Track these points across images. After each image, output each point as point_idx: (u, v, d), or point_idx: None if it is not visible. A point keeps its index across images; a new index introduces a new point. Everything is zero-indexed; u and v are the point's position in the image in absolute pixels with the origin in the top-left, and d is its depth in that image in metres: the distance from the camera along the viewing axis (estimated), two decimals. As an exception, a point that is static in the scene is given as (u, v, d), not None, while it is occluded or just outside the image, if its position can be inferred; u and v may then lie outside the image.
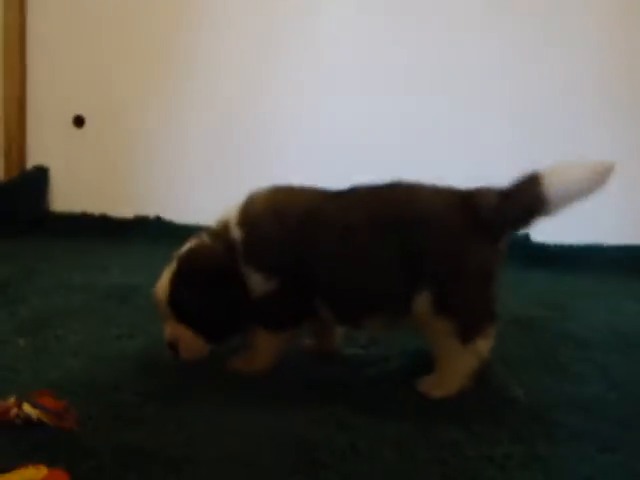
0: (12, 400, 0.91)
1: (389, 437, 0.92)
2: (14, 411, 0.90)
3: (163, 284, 1.10)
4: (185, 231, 1.26)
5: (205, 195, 2.22)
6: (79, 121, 2.37)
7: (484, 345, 1.06)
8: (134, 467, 0.82)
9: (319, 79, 2.20)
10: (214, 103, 2.27)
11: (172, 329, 1.09)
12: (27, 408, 0.90)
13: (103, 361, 1.16)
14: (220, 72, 2.26)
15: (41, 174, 2.36)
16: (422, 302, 1.03)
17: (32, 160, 2.39)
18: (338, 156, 2.11)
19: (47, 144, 2.39)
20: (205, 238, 1.12)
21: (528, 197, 1.01)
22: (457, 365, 1.05)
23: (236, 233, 1.09)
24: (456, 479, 0.82)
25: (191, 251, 1.11)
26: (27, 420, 0.90)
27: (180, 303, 1.08)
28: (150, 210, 2.27)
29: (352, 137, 2.13)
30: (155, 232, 2.16)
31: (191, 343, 1.09)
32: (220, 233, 1.11)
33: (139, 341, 1.25)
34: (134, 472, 0.81)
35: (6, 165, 2.36)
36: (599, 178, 1.00)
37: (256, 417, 0.96)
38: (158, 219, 2.24)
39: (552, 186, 1.00)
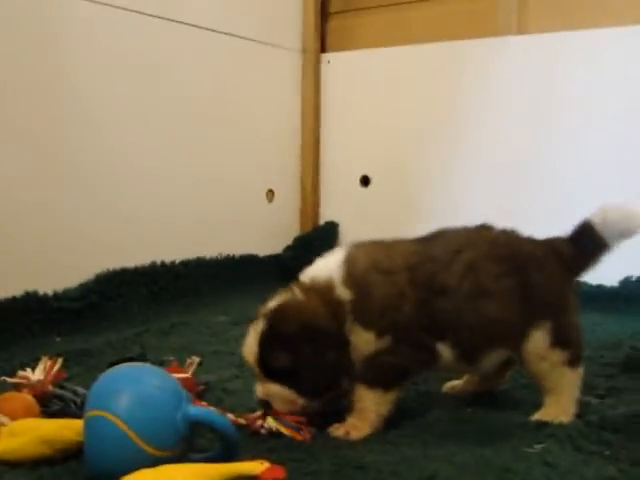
0: (259, 413, 1.10)
1: (584, 477, 0.93)
2: (259, 422, 1.08)
3: (250, 345, 1.08)
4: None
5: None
6: (365, 181, 2.63)
7: (582, 368, 1.17)
8: (346, 475, 0.94)
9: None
10: (484, 164, 2.39)
11: (263, 388, 1.09)
12: (270, 421, 1.08)
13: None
14: (489, 135, 2.37)
15: (332, 229, 2.65)
16: (539, 336, 1.13)
17: (324, 216, 2.70)
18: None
19: (337, 202, 2.69)
20: (298, 293, 1.10)
21: (589, 242, 1.15)
22: (572, 390, 1.16)
23: (343, 293, 1.08)
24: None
25: (281, 308, 1.09)
26: (269, 430, 1.07)
27: (269, 364, 1.07)
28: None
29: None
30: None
31: (284, 400, 1.08)
32: (319, 290, 1.09)
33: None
34: (347, 478, 0.93)
35: (301, 220, 2.70)
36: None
37: (464, 447, 1.04)
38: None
39: (604, 228, 1.14)
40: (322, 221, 2.70)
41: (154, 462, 0.83)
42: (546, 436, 1.07)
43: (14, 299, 1.65)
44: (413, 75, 2.51)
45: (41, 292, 1.71)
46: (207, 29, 2.28)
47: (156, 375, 0.93)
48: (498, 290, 1.11)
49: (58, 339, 1.69)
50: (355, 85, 2.63)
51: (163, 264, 2.08)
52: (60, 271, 1.81)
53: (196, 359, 1.30)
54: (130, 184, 2.06)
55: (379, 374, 1.10)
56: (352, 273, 1.10)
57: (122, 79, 2.02)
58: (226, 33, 2.34)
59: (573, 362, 1.15)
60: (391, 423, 1.13)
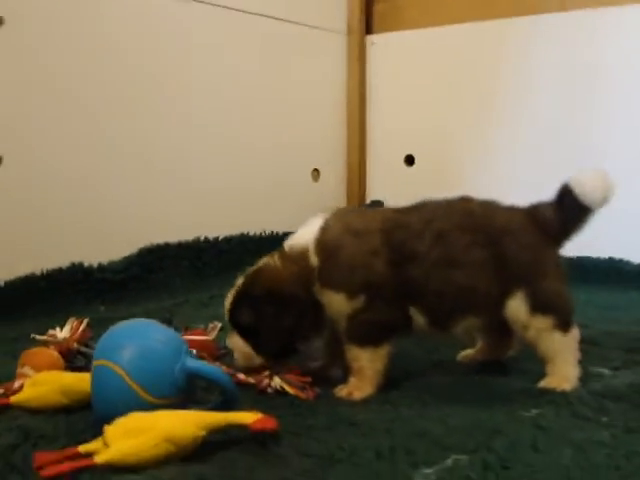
0: (267, 373, 1.16)
1: (573, 440, 0.95)
2: (266, 381, 1.15)
3: (227, 300, 1.19)
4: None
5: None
6: (410, 160, 2.66)
7: (577, 331, 1.19)
8: (341, 430, 0.99)
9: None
10: (528, 142, 2.39)
11: (230, 338, 1.20)
12: (276, 380, 1.15)
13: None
14: (533, 114, 2.37)
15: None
16: (516, 305, 1.15)
17: (370, 195, 2.75)
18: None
19: (383, 181, 2.73)
20: (275, 260, 1.17)
21: (571, 206, 1.16)
22: (567, 354, 1.17)
23: (314, 260, 1.15)
24: None
25: (256, 272, 1.18)
26: (275, 389, 1.14)
27: (235, 318, 1.17)
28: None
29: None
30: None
31: (243, 354, 1.17)
32: (294, 258, 1.16)
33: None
34: (339, 433, 0.99)
35: (348, 199, 2.75)
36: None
37: (462, 409, 1.08)
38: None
39: (582, 191, 1.16)
40: (368, 200, 2.74)
41: (151, 408, 0.90)
42: (547, 402, 1.10)
43: (60, 270, 1.76)
44: (457, 55, 2.52)
45: (86, 264, 1.81)
46: (254, 13, 2.34)
47: (159, 330, 1.00)
48: (467, 259, 1.14)
49: (102, 308, 1.78)
50: (400, 66, 2.66)
51: (206, 239, 2.16)
52: (105, 244, 1.91)
53: (218, 324, 1.37)
54: (176, 162, 2.14)
55: (364, 333, 1.15)
56: (323, 240, 1.16)
57: (171, 61, 2.11)
58: (272, 17, 2.40)
59: (561, 326, 1.16)
60: (394, 385, 1.18)
